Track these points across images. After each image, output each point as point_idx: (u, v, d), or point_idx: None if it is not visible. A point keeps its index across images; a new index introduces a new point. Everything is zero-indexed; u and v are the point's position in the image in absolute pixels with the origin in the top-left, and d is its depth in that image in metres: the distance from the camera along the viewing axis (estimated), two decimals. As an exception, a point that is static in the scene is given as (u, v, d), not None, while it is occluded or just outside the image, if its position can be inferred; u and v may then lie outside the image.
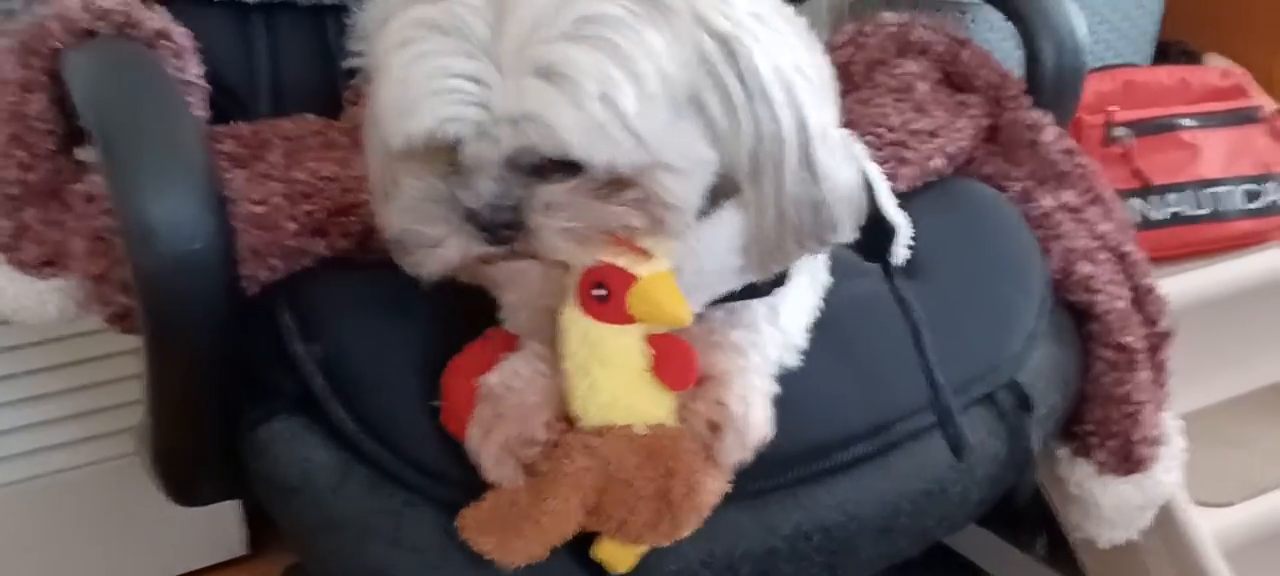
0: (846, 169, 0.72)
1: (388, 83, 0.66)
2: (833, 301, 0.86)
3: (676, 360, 0.71)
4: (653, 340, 0.70)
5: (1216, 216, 1.31)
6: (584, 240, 0.67)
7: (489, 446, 0.72)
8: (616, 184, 0.66)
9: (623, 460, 0.70)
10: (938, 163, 1.02)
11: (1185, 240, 1.31)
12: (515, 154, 0.65)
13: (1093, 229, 1.04)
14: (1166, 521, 1.09)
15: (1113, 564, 1.09)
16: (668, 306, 0.69)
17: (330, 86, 1.09)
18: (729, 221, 0.72)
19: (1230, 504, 1.16)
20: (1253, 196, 1.32)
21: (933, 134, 1.03)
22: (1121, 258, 1.04)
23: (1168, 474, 1.02)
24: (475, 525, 0.73)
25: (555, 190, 0.66)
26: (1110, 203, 1.08)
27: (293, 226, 0.85)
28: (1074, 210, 1.04)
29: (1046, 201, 1.04)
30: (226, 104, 1.02)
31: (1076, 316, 1.00)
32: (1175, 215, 1.30)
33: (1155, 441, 1.01)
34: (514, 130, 0.63)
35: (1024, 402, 0.91)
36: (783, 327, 0.80)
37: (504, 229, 0.66)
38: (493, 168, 0.65)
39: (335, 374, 0.80)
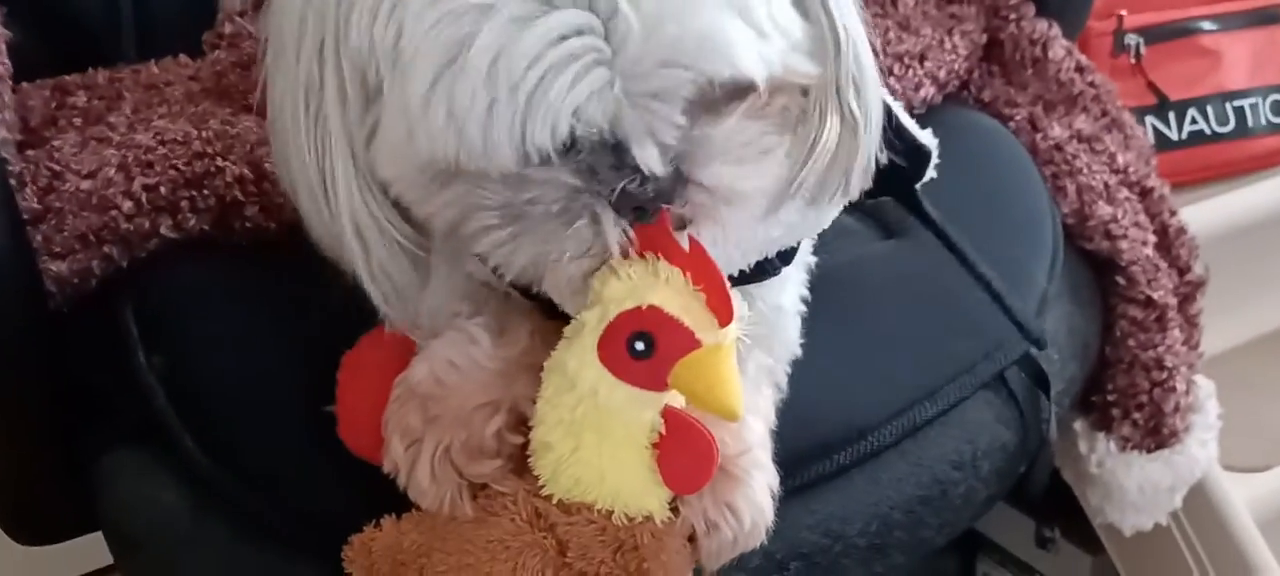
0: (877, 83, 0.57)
1: (455, 85, 0.47)
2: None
3: (691, 457, 0.52)
4: (669, 418, 0.52)
5: (1241, 133, 1.16)
6: (754, 175, 0.52)
7: (422, 458, 0.54)
8: (768, 97, 0.52)
9: (588, 551, 0.53)
10: (927, 91, 0.86)
11: (1206, 162, 1.16)
12: (688, 102, 0.49)
13: (1112, 161, 0.88)
14: (1191, 491, 0.95)
15: (1141, 547, 0.95)
16: (723, 393, 0.51)
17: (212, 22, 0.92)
18: (781, 150, 0.55)
19: (1266, 467, 1.02)
20: (1282, 108, 1.17)
21: (920, 57, 0.86)
22: (1145, 194, 0.89)
23: (1202, 448, 0.87)
24: (366, 562, 0.56)
25: (732, 126, 0.50)
26: (1129, 127, 0.92)
27: (129, 205, 0.68)
28: (1089, 139, 0.89)
29: (1057, 130, 0.88)
30: (86, 49, 0.85)
31: (1095, 267, 0.85)
32: (1195, 133, 1.15)
33: (1187, 410, 0.86)
34: (666, 70, 0.47)
35: (1038, 380, 0.76)
36: (786, 334, 0.65)
37: (665, 199, 0.50)
38: (673, 129, 0.48)
39: (182, 392, 0.64)
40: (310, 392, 0.60)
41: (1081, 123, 0.89)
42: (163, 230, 0.68)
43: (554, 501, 0.53)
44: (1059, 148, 0.87)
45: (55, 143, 0.73)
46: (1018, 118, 0.89)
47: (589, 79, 0.46)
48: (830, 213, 0.63)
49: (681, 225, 0.51)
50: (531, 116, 0.45)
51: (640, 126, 0.47)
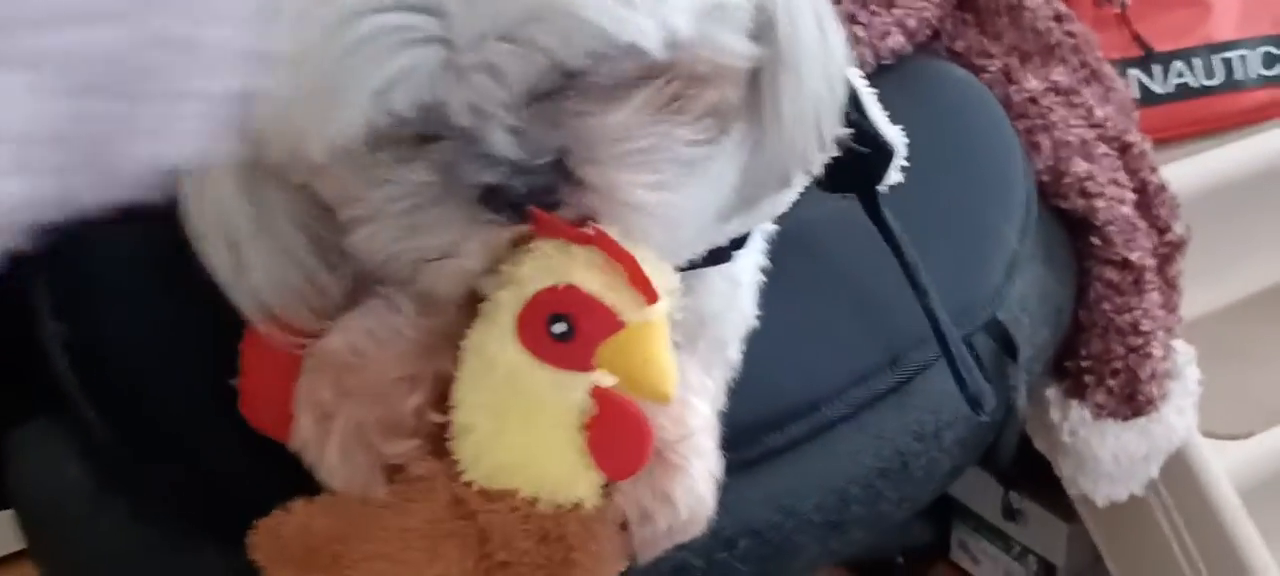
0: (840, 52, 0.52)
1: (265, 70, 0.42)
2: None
3: (624, 441, 0.47)
4: (600, 399, 0.47)
5: (1229, 86, 1.11)
6: (660, 184, 0.46)
7: (333, 435, 0.50)
8: (685, 86, 0.45)
9: (510, 540, 0.49)
10: (895, 41, 0.81)
11: (1193, 116, 1.11)
12: (535, 79, 0.43)
13: (1089, 115, 0.84)
14: (1170, 460, 0.92)
15: (1117, 517, 0.92)
16: (651, 374, 0.46)
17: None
18: (720, 161, 0.50)
19: (1247, 434, 0.98)
20: (1272, 61, 1.12)
21: (889, 3, 0.82)
22: (1124, 149, 0.85)
23: (1180, 416, 0.84)
24: (274, 549, 0.53)
25: (626, 119, 0.44)
26: (1109, 80, 0.88)
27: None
28: (1066, 92, 0.85)
29: (1032, 83, 0.84)
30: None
31: (1070, 226, 0.81)
32: (1181, 87, 1.10)
33: (1164, 377, 0.82)
34: (515, 48, 0.42)
35: (1006, 346, 0.72)
36: (742, 307, 0.60)
37: (541, 197, 0.45)
38: (509, 111, 0.43)
39: (87, 361, 0.60)
40: (221, 364, 0.56)
41: (1059, 75, 0.85)
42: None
43: (475, 487, 0.49)
44: (1034, 100, 0.83)
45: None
46: (992, 69, 0.84)
47: (403, 56, 0.41)
48: (793, 194, 0.59)
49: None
50: (336, 101, 0.41)
51: (469, 110, 0.43)
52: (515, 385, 0.47)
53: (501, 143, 0.43)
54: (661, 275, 0.46)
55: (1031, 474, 0.92)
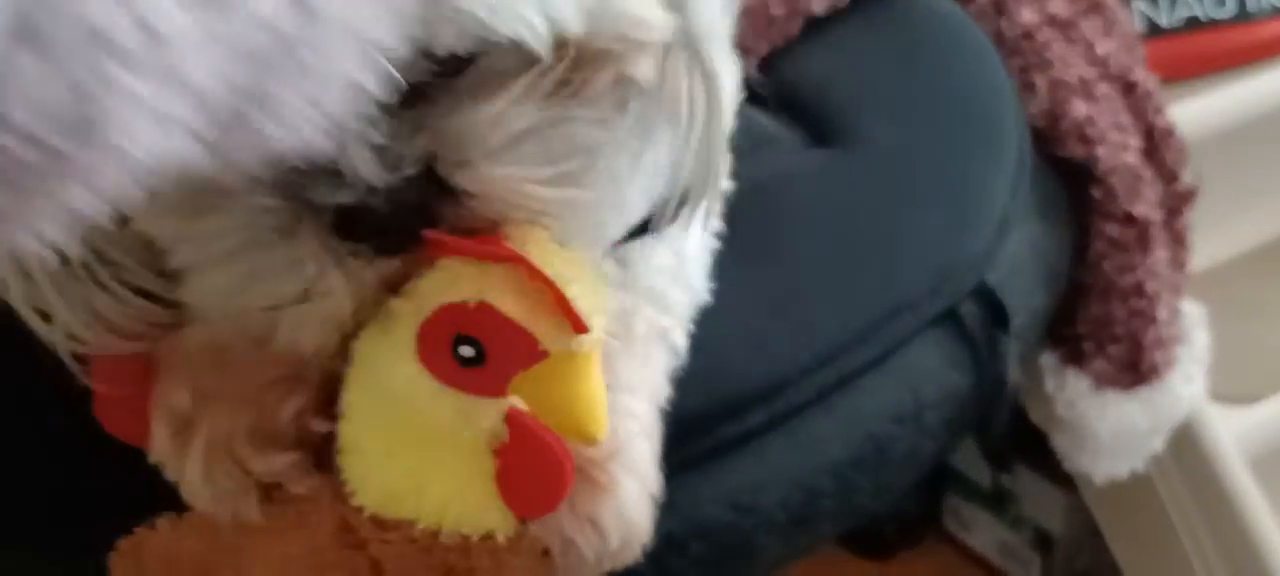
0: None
1: None
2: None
3: (537, 478, 0.40)
4: (513, 427, 0.39)
5: (1241, 17, 1.03)
6: (560, 177, 0.38)
7: (195, 450, 0.42)
8: (577, 68, 0.37)
9: (406, 573, 0.42)
10: (874, -31, 0.72)
11: (1201, 51, 1.03)
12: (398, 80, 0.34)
13: (1090, 50, 0.76)
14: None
15: (1114, 487, 0.85)
16: (579, 412, 0.39)
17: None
18: (636, 141, 0.42)
19: (1256, 398, 0.91)
20: (1288, -11, 1.04)
21: (865, -72, 0.73)
22: (1128, 89, 0.76)
23: (1187, 384, 0.76)
24: (136, 570, 0.45)
25: (499, 109, 0.36)
26: (1112, 11, 0.80)
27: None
28: (1064, 25, 0.76)
29: (1026, 15, 0.75)
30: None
31: (1068, 177, 0.73)
32: (1190, 19, 1.02)
33: (1170, 342, 0.75)
34: None
35: (996, 314, 0.64)
36: (690, 283, 0.52)
37: (410, 217, 0.37)
38: (369, 122, 0.34)
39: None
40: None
41: (1056, 5, 0.77)
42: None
43: (366, 513, 0.41)
44: (1028, 35, 0.74)
45: None
46: (981, 1, 0.76)
47: None
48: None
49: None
50: None
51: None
52: (411, 406, 0.39)
53: (359, 159, 0.35)
54: (595, 296, 0.38)
55: (1026, 438, 0.85)
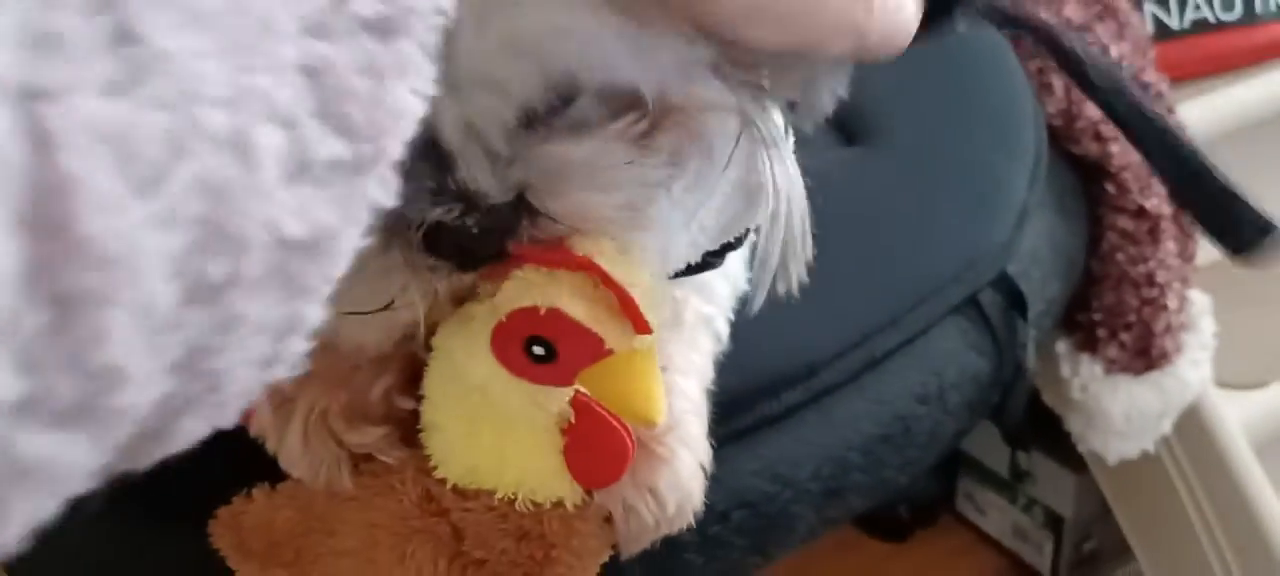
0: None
1: None
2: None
3: (601, 455, 0.43)
4: (579, 410, 0.43)
5: (1248, 19, 1.07)
6: (629, 204, 0.41)
7: (294, 422, 0.46)
8: (653, 122, 0.40)
9: (486, 539, 0.45)
10: (898, -24, 0.76)
11: (1209, 52, 1.06)
12: (535, 102, 0.37)
13: (1104, 53, 0.79)
14: (1183, 411, 0.88)
15: (1127, 470, 0.89)
16: (639, 402, 0.43)
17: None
18: (701, 184, 0.44)
19: (1261, 384, 0.95)
20: (1294, -8, 1.07)
21: (891, -63, 0.77)
22: (1140, 89, 0.80)
23: (1195, 369, 0.80)
24: (235, 540, 0.49)
25: (598, 147, 0.39)
26: (1124, 15, 0.84)
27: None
28: (1079, 28, 0.80)
29: (1043, 20, 0.79)
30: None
31: (1083, 172, 0.77)
32: (1198, 22, 1.06)
33: (1179, 329, 0.79)
34: (525, 62, 0.36)
35: (1016, 301, 0.68)
36: (731, 273, 0.55)
37: (497, 240, 0.39)
38: (503, 134, 0.37)
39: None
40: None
41: (1071, 10, 0.81)
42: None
43: (449, 484, 0.46)
44: (1045, 39, 0.78)
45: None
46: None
47: None
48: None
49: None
50: None
51: (461, 126, 0.37)
52: (487, 396, 0.43)
53: (480, 172, 0.37)
54: (652, 297, 0.42)
55: (1038, 424, 0.89)
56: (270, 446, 0.47)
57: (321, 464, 0.46)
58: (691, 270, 0.48)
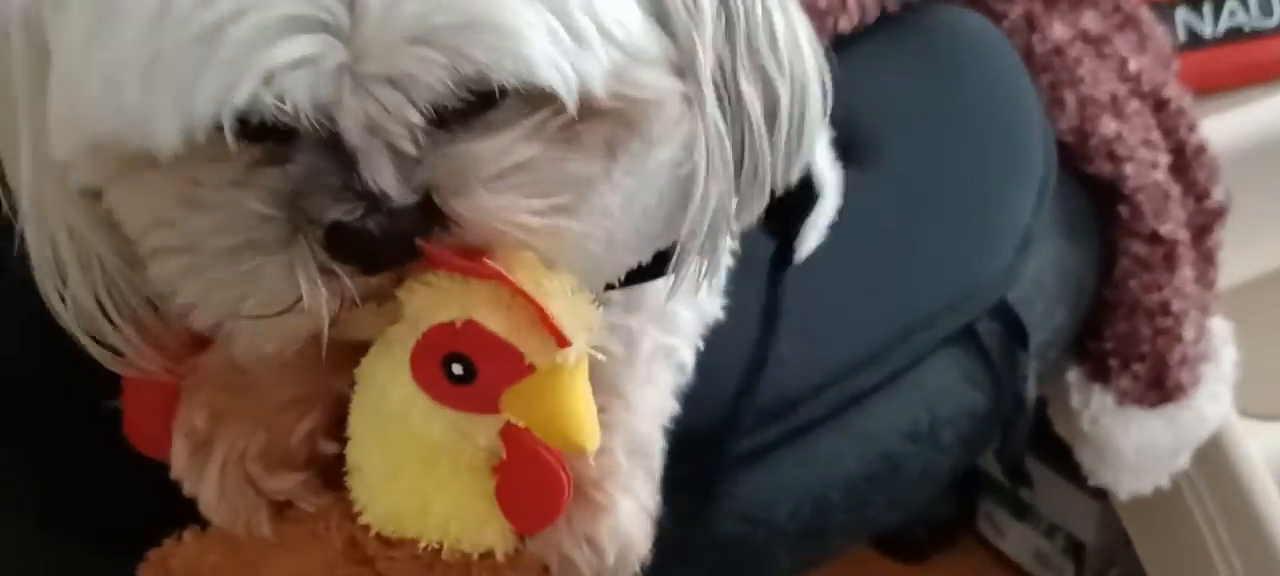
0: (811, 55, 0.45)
1: (114, 33, 0.35)
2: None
3: (535, 493, 0.41)
4: (510, 443, 0.41)
5: (1287, 27, 1.01)
6: (553, 209, 0.39)
7: (210, 468, 0.44)
8: (582, 117, 0.39)
9: None
10: (901, -15, 0.73)
11: (1243, 61, 1.01)
12: (444, 98, 0.36)
13: (1122, 67, 0.76)
14: (1203, 442, 0.84)
15: (1147, 501, 0.85)
16: (568, 425, 0.40)
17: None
18: (633, 179, 0.43)
19: (1288, 414, 0.90)
20: (1336, -1, 1.02)
21: (895, -56, 0.73)
22: (1159, 106, 0.76)
23: (1213, 403, 0.76)
24: None
25: (504, 143, 0.37)
26: (1146, 26, 0.79)
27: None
28: (1096, 41, 0.76)
29: (1058, 30, 0.75)
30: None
31: (1096, 193, 0.73)
32: (1233, 30, 1.00)
33: (1196, 360, 0.75)
34: (433, 56, 0.35)
35: (1015, 331, 0.65)
36: (700, 303, 0.53)
37: (402, 244, 0.38)
38: (410, 133, 0.36)
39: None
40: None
41: (1089, 20, 0.77)
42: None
43: (373, 532, 0.43)
44: (1059, 51, 0.74)
45: None
46: (1012, 16, 0.76)
47: (299, 41, 0.33)
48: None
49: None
50: (203, 77, 0.33)
51: (365, 121, 0.35)
52: (409, 426, 0.40)
53: (383, 172, 0.36)
54: (578, 311, 0.39)
55: (1059, 446, 0.85)
56: (186, 490, 0.45)
57: (239, 510, 0.44)
58: (642, 274, 0.45)
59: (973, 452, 0.66)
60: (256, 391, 0.44)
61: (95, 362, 0.44)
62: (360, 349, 0.43)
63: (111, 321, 0.43)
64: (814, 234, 0.54)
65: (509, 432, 0.40)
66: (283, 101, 0.34)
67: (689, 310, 0.52)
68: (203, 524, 0.46)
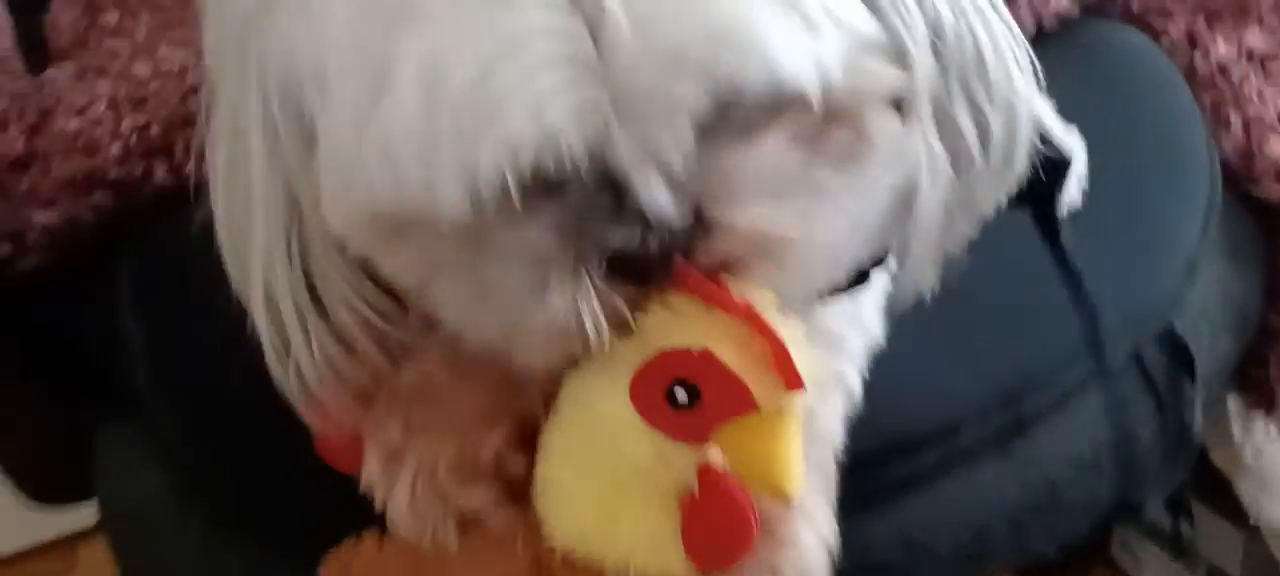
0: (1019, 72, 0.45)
1: (384, 109, 0.36)
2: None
3: (723, 533, 0.41)
4: (705, 481, 0.40)
5: None
6: (804, 217, 0.40)
7: (402, 479, 0.45)
8: (825, 120, 0.39)
9: None
10: (1061, 3, 0.71)
11: None
12: (705, 115, 0.37)
13: (1288, 87, 0.73)
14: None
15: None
16: (778, 471, 0.40)
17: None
18: (865, 188, 0.43)
19: None
20: None
21: (1054, -39, 0.72)
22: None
23: (1387, 434, 0.72)
24: None
25: (770, 151, 0.38)
26: (1316, 43, 0.76)
27: (117, 147, 0.61)
28: (1262, 59, 0.73)
29: (1221, 48, 0.73)
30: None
31: (1260, 215, 0.71)
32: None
33: (1370, 390, 0.71)
34: (689, 75, 0.35)
35: (1182, 359, 0.63)
36: (866, 324, 0.52)
37: (676, 256, 0.39)
38: (679, 153, 0.36)
39: (163, 363, 0.57)
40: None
41: (1254, 38, 0.74)
42: (158, 176, 0.61)
43: (558, 554, 0.43)
44: (1223, 70, 0.72)
45: (50, 74, 0.66)
46: (1173, 33, 0.74)
47: (564, 91, 0.34)
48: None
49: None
50: (482, 143, 0.34)
51: (638, 152, 0.36)
52: (615, 445, 0.40)
53: (658, 196, 0.36)
54: (809, 360, 0.39)
55: (1205, 476, 0.82)
56: (378, 501, 0.46)
57: (428, 521, 0.45)
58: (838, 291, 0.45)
59: (1135, 482, 0.64)
60: (448, 404, 0.45)
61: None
62: (548, 371, 0.43)
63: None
64: (1075, 186, 0.53)
65: (706, 470, 0.40)
66: (561, 153, 0.35)
67: (857, 334, 0.52)
68: (381, 525, 0.47)
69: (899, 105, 0.41)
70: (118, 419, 0.61)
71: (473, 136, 0.34)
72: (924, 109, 0.41)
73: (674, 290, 0.39)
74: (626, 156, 0.36)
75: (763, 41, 0.35)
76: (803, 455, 0.45)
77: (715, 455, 0.40)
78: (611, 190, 0.37)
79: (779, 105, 0.37)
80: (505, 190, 0.35)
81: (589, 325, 0.38)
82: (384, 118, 0.35)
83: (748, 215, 0.38)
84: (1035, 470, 0.59)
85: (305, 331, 0.43)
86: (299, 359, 0.43)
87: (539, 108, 0.34)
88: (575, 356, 0.41)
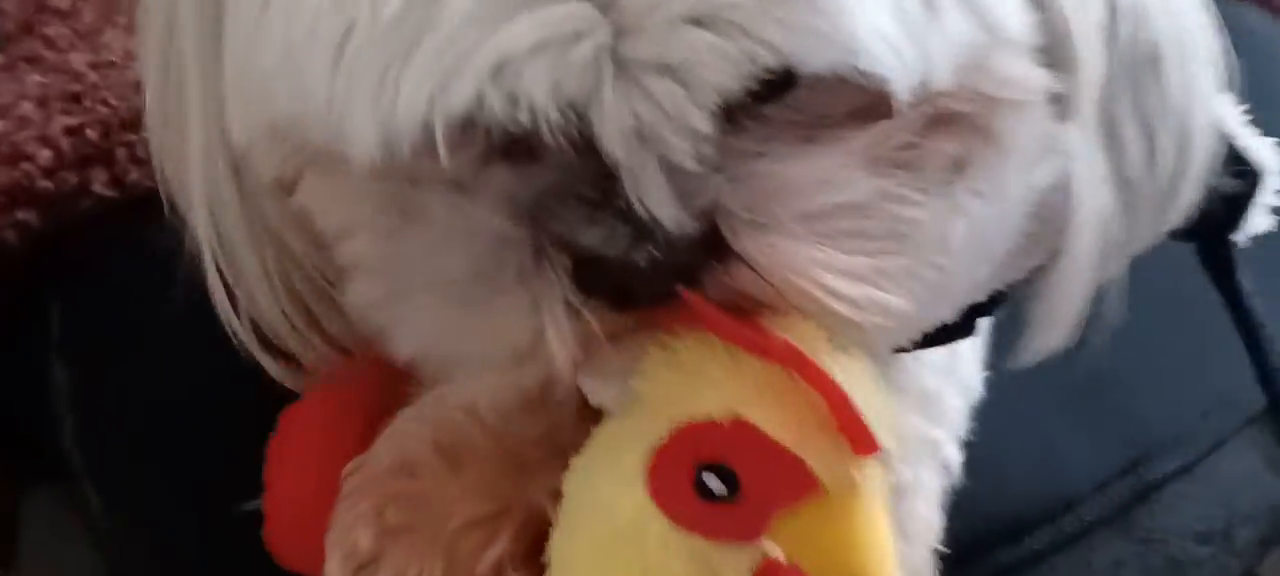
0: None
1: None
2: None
3: None
4: None
5: None
6: (868, 292, 0.29)
7: None
8: (927, 130, 0.30)
9: None
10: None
11: None
12: (735, 93, 0.26)
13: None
14: None
15: None
16: (860, 565, 0.30)
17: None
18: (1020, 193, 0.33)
19: None
20: None
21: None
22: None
23: None
24: None
25: (832, 168, 0.28)
26: None
27: (47, 154, 0.51)
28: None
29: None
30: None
31: None
32: None
33: None
34: (717, 41, 0.25)
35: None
36: (964, 379, 0.42)
37: (669, 282, 0.28)
38: (690, 140, 0.26)
39: (92, 420, 0.47)
40: (256, 441, 0.41)
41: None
42: (96, 187, 0.51)
43: None
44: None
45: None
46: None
47: (540, 16, 0.24)
48: None
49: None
50: (410, 64, 0.24)
51: (632, 121, 0.25)
52: (636, 553, 0.30)
53: (654, 191, 0.26)
54: (881, 411, 0.29)
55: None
56: None
57: None
58: (939, 336, 0.34)
59: (1268, 555, 0.54)
60: (434, 501, 0.34)
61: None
62: (563, 448, 0.33)
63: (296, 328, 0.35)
64: (1260, 215, 0.42)
65: (768, 567, 0.30)
66: (517, 102, 0.24)
67: (955, 393, 0.41)
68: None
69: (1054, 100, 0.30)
70: (48, 482, 0.51)
71: (398, 56, 0.25)
72: (1088, 115, 0.30)
73: (679, 327, 0.29)
74: (615, 130, 0.25)
75: (837, 7, 0.25)
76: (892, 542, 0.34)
77: (774, 551, 0.30)
78: (591, 174, 0.27)
79: (855, 102, 0.27)
80: (433, 138, 0.25)
81: (555, 346, 0.28)
82: (293, 9, 0.26)
83: (779, 250, 0.27)
84: (1158, 547, 0.50)
85: (262, 263, 0.34)
86: (254, 296, 0.34)
87: (497, 37, 0.24)
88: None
